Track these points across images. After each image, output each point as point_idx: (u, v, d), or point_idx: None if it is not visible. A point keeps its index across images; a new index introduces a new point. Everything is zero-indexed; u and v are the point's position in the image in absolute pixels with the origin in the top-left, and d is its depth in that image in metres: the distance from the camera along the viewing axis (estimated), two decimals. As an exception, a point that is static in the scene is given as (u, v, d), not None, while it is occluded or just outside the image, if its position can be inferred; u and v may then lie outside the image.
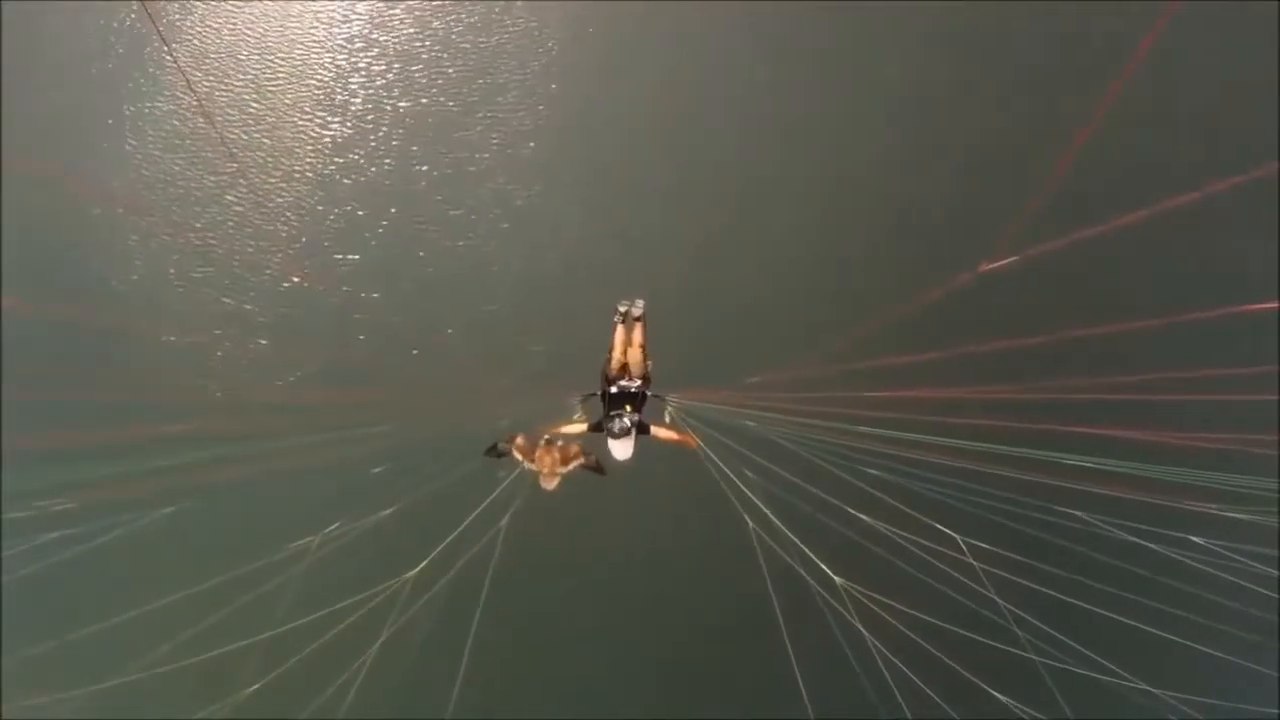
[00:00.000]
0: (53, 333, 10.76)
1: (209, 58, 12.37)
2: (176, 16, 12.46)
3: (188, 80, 12.11)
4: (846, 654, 8.63)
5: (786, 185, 12.52)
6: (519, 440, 6.82)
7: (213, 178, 12.10)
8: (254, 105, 12.34)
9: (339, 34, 12.54)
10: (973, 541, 8.13)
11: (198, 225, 11.90)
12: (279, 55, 12.41)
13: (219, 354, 11.66)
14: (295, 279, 11.60)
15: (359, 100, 12.39)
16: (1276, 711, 9.99)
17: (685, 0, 12.66)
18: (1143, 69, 4.06)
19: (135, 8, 11.87)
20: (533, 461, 6.69)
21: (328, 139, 12.29)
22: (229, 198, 12.06)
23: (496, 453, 7.01)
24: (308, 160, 12.25)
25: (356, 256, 12.02)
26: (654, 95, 12.70)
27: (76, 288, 11.68)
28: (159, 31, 12.05)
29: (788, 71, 12.69)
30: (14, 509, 7.38)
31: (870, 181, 12.49)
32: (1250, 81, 12.08)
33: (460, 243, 12.18)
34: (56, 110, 12.02)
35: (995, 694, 8.01)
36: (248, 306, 11.77)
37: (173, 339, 11.55)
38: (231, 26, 12.44)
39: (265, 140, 12.18)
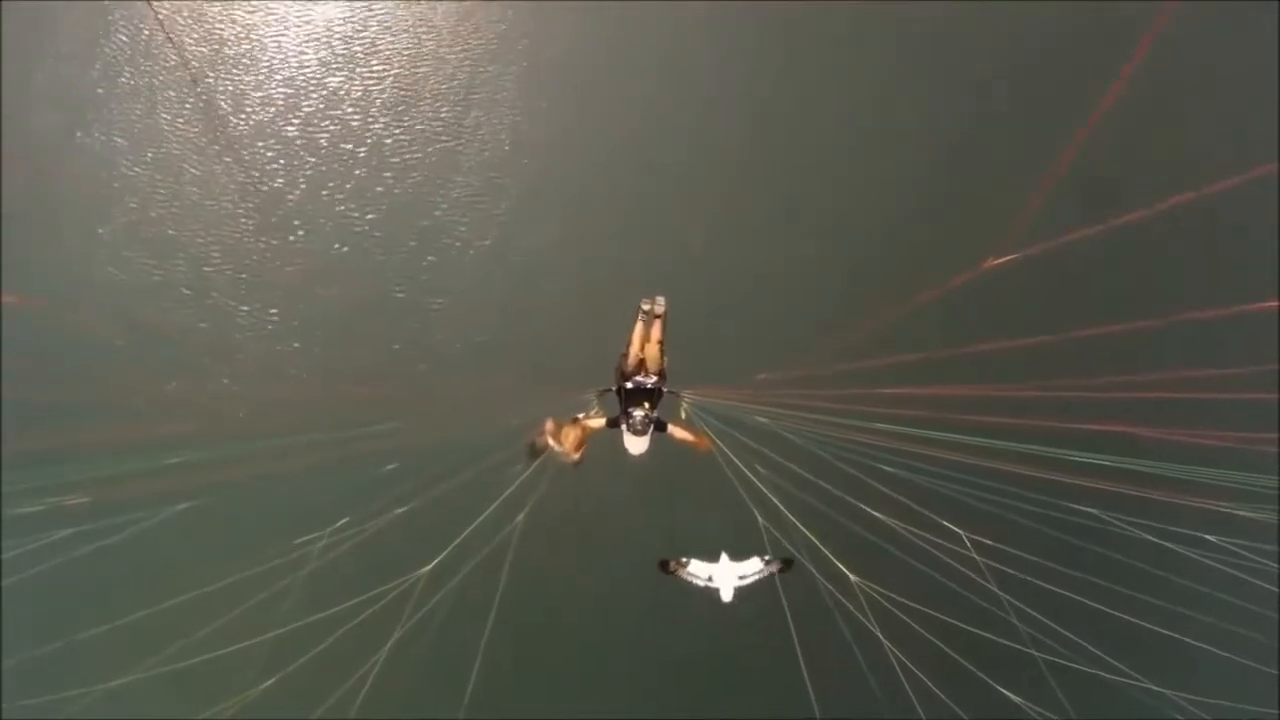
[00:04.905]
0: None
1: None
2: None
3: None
4: (855, 652, 8.64)
5: (794, 180, 12.49)
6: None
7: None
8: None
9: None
10: (980, 539, 8.12)
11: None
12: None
13: (216, 353, 11.60)
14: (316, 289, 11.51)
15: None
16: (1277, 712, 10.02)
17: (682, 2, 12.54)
18: (1142, 68, 4.03)
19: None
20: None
21: None
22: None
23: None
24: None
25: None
26: (655, 97, 12.62)
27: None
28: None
29: (794, 65, 12.64)
30: (25, 504, 7.32)
31: (877, 181, 12.47)
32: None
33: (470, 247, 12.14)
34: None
35: (1009, 694, 8.00)
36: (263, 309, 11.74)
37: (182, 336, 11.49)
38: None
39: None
